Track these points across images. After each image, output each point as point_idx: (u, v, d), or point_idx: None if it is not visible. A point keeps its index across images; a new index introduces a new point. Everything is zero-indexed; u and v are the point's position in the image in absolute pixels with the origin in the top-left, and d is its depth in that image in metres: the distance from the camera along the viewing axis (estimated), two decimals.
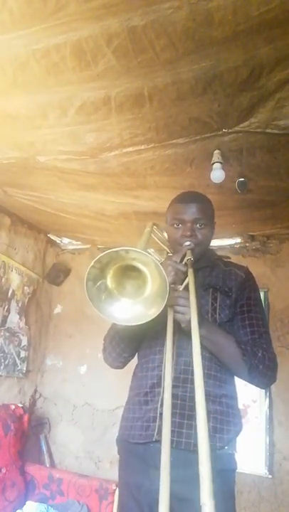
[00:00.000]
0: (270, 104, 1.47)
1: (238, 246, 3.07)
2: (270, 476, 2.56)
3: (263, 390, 2.69)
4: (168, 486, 0.80)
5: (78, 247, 3.57)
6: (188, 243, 1.28)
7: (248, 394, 2.68)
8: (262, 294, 2.86)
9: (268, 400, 2.69)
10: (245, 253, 3.07)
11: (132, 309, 1.10)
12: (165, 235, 1.45)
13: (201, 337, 1.14)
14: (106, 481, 2.38)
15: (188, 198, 1.37)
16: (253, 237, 2.96)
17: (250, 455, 2.59)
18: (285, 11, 1.08)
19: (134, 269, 1.08)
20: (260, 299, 1.35)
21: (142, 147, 1.81)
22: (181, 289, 1.17)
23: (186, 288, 1.15)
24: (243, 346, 1.20)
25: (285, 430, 2.63)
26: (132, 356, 1.38)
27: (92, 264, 1.01)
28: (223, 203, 2.31)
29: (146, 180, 2.15)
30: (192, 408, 1.16)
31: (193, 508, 1.11)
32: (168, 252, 1.49)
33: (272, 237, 2.95)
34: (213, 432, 1.16)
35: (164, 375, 1.21)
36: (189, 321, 1.07)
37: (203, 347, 1.20)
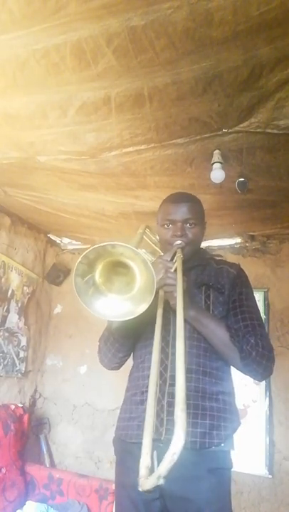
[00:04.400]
0: (270, 104, 1.47)
1: (238, 246, 3.07)
2: (270, 476, 2.56)
3: (263, 390, 2.69)
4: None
5: (78, 247, 3.56)
6: (178, 242, 1.29)
7: (248, 394, 2.68)
8: (262, 294, 2.87)
9: (267, 399, 2.69)
10: (245, 253, 3.07)
11: (121, 305, 1.10)
12: (158, 237, 1.47)
13: (191, 318, 1.19)
14: (106, 481, 2.38)
15: (178, 198, 1.38)
16: (253, 237, 2.96)
17: (250, 455, 2.58)
18: (285, 11, 1.08)
19: (123, 265, 1.08)
20: (253, 295, 1.36)
21: (142, 147, 1.81)
22: (172, 270, 1.20)
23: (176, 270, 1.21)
24: (234, 332, 1.20)
25: (285, 430, 2.63)
26: (128, 356, 1.38)
27: (79, 259, 1.02)
28: (223, 203, 2.31)
29: (146, 180, 2.15)
30: (188, 406, 1.16)
31: (187, 506, 1.12)
32: (160, 254, 1.50)
33: (272, 237, 2.95)
34: (210, 429, 1.16)
35: (158, 374, 1.22)
36: (176, 298, 1.11)
37: (195, 335, 1.24)
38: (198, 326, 1.21)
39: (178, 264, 1.21)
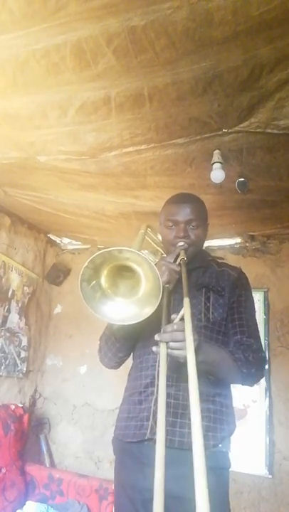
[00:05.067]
0: (270, 104, 1.47)
1: (238, 246, 3.07)
2: (270, 476, 2.56)
3: (263, 390, 2.69)
4: (162, 485, 0.80)
5: (78, 247, 3.57)
6: (181, 243, 1.29)
7: (248, 394, 2.68)
8: (262, 294, 2.87)
9: (267, 399, 2.69)
10: (245, 253, 3.07)
11: (126, 309, 1.10)
12: (159, 236, 1.46)
13: (199, 362, 1.07)
14: (106, 481, 2.38)
15: (181, 199, 1.38)
16: (253, 237, 2.96)
17: (250, 455, 2.58)
18: (285, 11, 1.08)
19: (128, 269, 1.09)
20: (252, 298, 1.37)
21: (142, 147, 1.81)
22: (176, 320, 1.06)
23: (181, 318, 1.06)
24: (237, 356, 1.20)
25: (285, 430, 2.63)
26: (128, 356, 1.39)
27: (86, 264, 1.02)
28: (223, 203, 2.31)
29: (146, 180, 2.15)
30: (185, 407, 1.17)
31: (186, 506, 1.12)
32: (162, 254, 1.50)
33: (272, 237, 2.95)
34: (206, 431, 1.16)
35: (157, 375, 1.22)
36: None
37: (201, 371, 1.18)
38: (206, 367, 1.12)
39: (185, 312, 1.05)
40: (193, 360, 0.89)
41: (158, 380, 1.20)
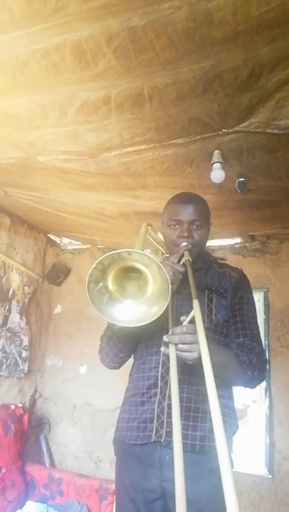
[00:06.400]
0: (270, 104, 1.47)
1: (238, 246, 3.07)
2: (270, 476, 2.56)
3: (263, 390, 2.70)
4: (184, 489, 0.79)
5: (78, 247, 3.57)
6: (185, 244, 1.29)
7: (248, 394, 2.68)
8: (262, 294, 2.87)
9: (267, 399, 2.69)
10: (245, 253, 3.07)
11: (134, 311, 1.10)
12: (159, 235, 1.46)
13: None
14: (106, 481, 2.38)
15: (184, 198, 1.38)
16: (253, 237, 2.96)
17: (250, 455, 2.58)
18: (285, 11, 1.08)
19: (134, 270, 1.08)
20: (253, 300, 1.37)
21: (142, 147, 1.81)
22: (186, 322, 1.06)
23: (191, 321, 1.06)
24: (242, 358, 1.20)
25: (285, 430, 2.63)
26: (129, 356, 1.38)
27: (94, 265, 1.01)
28: (223, 203, 2.31)
29: (146, 180, 2.15)
30: (188, 409, 1.17)
31: (188, 506, 1.11)
32: (163, 253, 1.49)
33: (272, 237, 2.95)
34: (210, 432, 1.16)
35: (160, 376, 1.22)
36: (197, 359, 1.00)
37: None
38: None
39: (196, 314, 1.05)
40: (208, 363, 0.90)
41: (161, 382, 1.20)
